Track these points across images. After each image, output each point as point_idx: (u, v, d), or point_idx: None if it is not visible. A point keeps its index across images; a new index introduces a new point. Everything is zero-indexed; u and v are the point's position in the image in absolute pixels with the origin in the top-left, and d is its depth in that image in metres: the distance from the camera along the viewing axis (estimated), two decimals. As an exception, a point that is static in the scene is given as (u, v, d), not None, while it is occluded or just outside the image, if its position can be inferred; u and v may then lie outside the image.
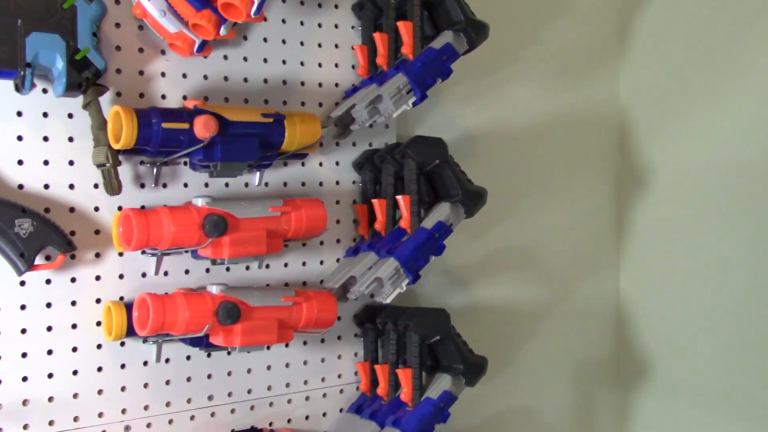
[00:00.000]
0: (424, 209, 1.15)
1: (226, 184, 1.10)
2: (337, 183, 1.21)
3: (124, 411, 1.03)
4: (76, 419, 0.99)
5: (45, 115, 0.98)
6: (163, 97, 1.05)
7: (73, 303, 0.99)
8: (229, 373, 1.11)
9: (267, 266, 1.14)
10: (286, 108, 1.15)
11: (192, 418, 1.08)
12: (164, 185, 1.06)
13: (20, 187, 0.96)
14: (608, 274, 1.62)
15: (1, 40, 0.88)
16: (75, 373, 0.99)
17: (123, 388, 1.03)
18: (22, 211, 0.92)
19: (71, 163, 0.99)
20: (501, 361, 1.45)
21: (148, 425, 1.04)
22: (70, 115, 0.99)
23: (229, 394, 1.11)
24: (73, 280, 0.99)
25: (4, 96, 0.95)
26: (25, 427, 0.96)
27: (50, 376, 0.98)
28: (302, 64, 1.17)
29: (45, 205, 0.97)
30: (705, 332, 1.49)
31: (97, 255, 1.01)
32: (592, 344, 1.59)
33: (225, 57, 1.10)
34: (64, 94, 0.93)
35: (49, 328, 0.98)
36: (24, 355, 0.96)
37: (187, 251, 1.04)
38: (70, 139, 0.99)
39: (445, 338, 1.15)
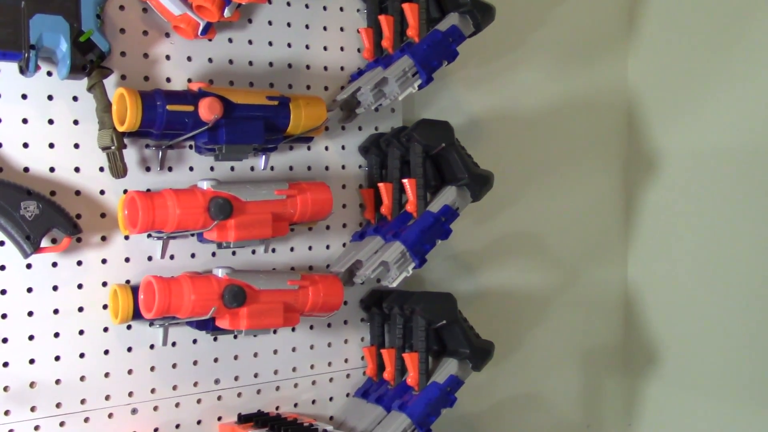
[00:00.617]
0: (430, 193, 1.15)
1: (232, 168, 1.10)
2: (343, 167, 1.20)
3: (131, 394, 1.03)
4: (83, 402, 0.99)
5: (50, 97, 0.97)
6: (168, 80, 1.05)
7: (80, 286, 0.99)
8: (236, 357, 1.11)
9: (273, 250, 1.13)
10: (292, 91, 1.14)
11: (199, 401, 1.08)
12: (170, 169, 1.05)
13: (26, 170, 0.96)
14: (616, 261, 1.61)
15: (5, 21, 0.88)
16: (82, 355, 1.00)
17: (130, 371, 1.03)
18: (28, 194, 0.92)
19: (77, 146, 0.99)
20: (508, 348, 1.44)
21: (155, 408, 1.05)
22: (75, 98, 0.99)
23: (236, 378, 1.11)
24: (79, 263, 0.99)
25: (9, 78, 0.95)
26: (33, 409, 0.96)
27: (57, 358, 0.98)
28: (307, 47, 1.17)
29: (51, 188, 0.97)
30: (712, 319, 1.48)
31: (103, 238, 1.01)
32: (599, 331, 1.59)
33: (230, 40, 1.10)
34: (69, 76, 0.93)
35: (56, 311, 0.98)
36: (31, 337, 0.96)
37: (193, 234, 1.04)
38: (76, 122, 0.99)
39: (451, 322, 1.14)
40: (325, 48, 1.18)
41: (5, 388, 0.95)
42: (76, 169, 0.99)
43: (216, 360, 1.09)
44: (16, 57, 0.89)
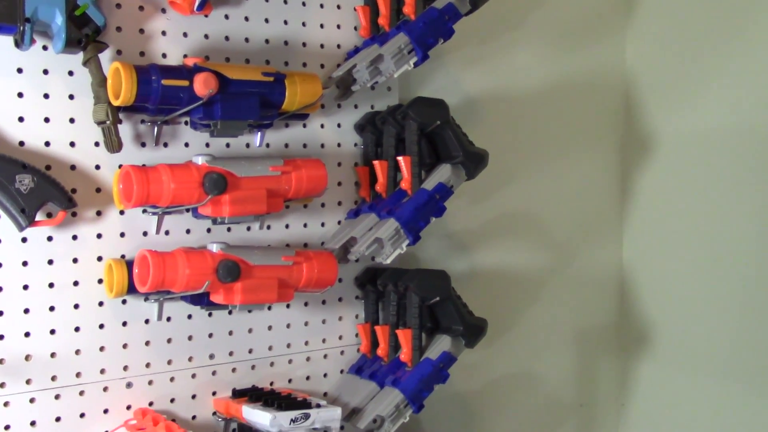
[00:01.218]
0: (425, 171, 1.15)
1: (227, 145, 1.11)
2: (339, 145, 1.21)
3: (125, 368, 1.04)
4: (78, 375, 1.00)
5: (45, 72, 0.97)
6: (164, 56, 1.05)
7: (75, 260, 1.00)
8: (230, 333, 1.12)
9: (268, 227, 1.14)
10: (288, 69, 1.14)
11: (193, 376, 1.09)
12: (165, 145, 1.06)
13: (21, 144, 0.96)
14: (611, 241, 1.61)
15: (0, -6, 0.88)
16: (77, 329, 1.00)
17: (125, 346, 1.04)
18: (23, 167, 0.92)
19: (72, 120, 0.99)
20: (502, 327, 1.45)
21: (150, 382, 1.05)
22: (71, 73, 0.99)
23: (230, 354, 1.12)
24: (74, 237, 1.00)
25: (4, 52, 0.95)
26: (28, 381, 0.97)
27: (52, 332, 0.99)
28: (304, 24, 1.16)
29: (46, 162, 0.97)
30: (706, 300, 1.49)
31: (98, 213, 1.01)
32: (593, 311, 1.60)
33: (226, 16, 1.10)
34: (64, 50, 0.93)
35: (51, 285, 0.98)
36: (26, 311, 0.97)
37: (188, 210, 1.04)
38: (71, 97, 0.99)
39: (445, 299, 1.15)
40: (321, 25, 1.18)
41: (1, 361, 0.95)
42: (72, 144, 0.99)
43: (211, 335, 1.10)
44: (11, 30, 0.89)
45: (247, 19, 1.11)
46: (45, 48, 0.97)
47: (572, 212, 1.55)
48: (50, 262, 0.98)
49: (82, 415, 1.00)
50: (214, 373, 1.10)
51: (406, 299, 1.15)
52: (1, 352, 0.95)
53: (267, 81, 1.03)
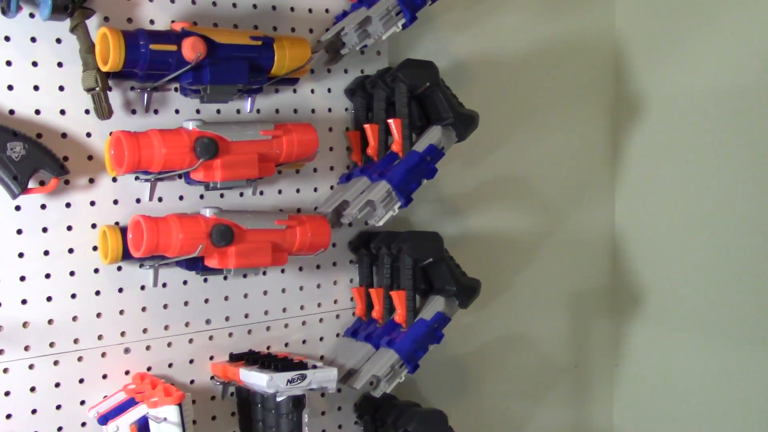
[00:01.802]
0: (416, 134, 1.16)
1: (218, 111, 1.11)
2: (330, 110, 1.21)
3: (123, 334, 1.05)
4: (76, 341, 1.01)
5: (33, 39, 0.97)
6: (152, 21, 1.05)
7: (69, 228, 1.00)
8: (226, 298, 1.13)
9: (261, 193, 1.15)
10: (276, 34, 1.14)
11: (190, 341, 1.10)
12: (155, 111, 1.06)
13: (11, 112, 0.96)
14: (603, 203, 1.62)
15: (-16, -41, 0.87)
16: (73, 296, 1.01)
17: (121, 312, 1.04)
18: (14, 135, 0.92)
19: (61, 88, 0.99)
20: (496, 290, 1.46)
21: (148, 348, 1.06)
22: (59, 40, 0.99)
23: (227, 319, 1.13)
24: (67, 205, 1.00)
25: (-9, 21, 0.95)
26: (27, 348, 0.98)
27: (49, 299, 0.99)
28: (291, -11, 1.16)
29: (37, 130, 0.98)
30: (697, 261, 1.50)
31: (91, 180, 1.02)
32: (586, 273, 1.61)
33: (213, -18, 1.10)
34: (51, 17, 0.92)
35: (46, 252, 0.99)
36: (22, 278, 0.98)
37: (180, 176, 1.04)
38: (60, 65, 0.99)
39: (438, 260, 1.16)
40: (309, -10, 1.18)
41: (-1, 328, 0.96)
42: (62, 112, 0.99)
43: (207, 301, 1.11)
44: (-3, -3, 0.89)
45: (234, -16, 1.11)
46: (32, 15, 0.97)
47: (564, 174, 1.56)
48: (44, 229, 0.99)
49: (81, 381, 1.01)
50: (210, 338, 1.12)
51: (399, 261, 1.15)
52: (-1, 320, 0.96)
53: (255, 45, 1.03)
